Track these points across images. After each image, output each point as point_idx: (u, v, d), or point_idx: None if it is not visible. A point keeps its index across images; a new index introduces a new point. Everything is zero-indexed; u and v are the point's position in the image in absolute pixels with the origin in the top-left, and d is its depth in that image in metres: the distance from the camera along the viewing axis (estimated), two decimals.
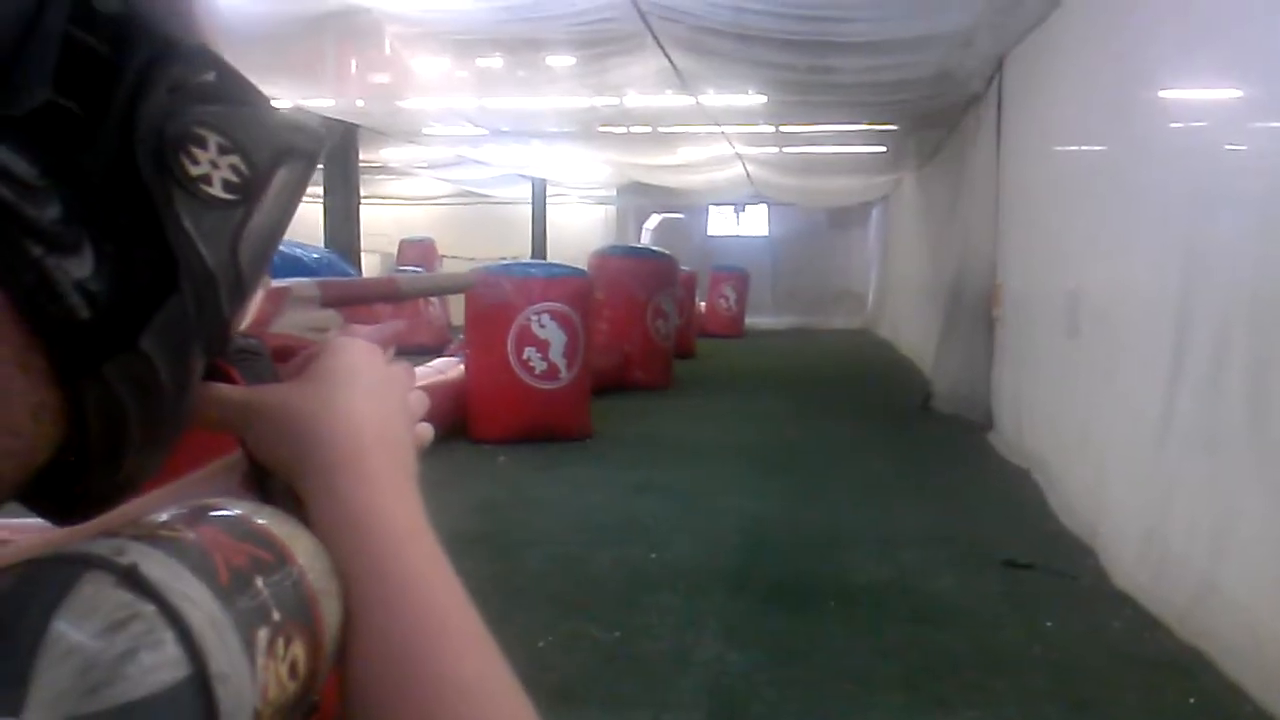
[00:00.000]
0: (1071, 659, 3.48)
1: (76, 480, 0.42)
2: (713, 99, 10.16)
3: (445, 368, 7.77)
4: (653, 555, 4.64)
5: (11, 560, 0.58)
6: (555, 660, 3.46)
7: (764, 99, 10.06)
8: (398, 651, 0.49)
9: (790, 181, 16.40)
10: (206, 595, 0.40)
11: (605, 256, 10.81)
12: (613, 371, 9.73)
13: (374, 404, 0.57)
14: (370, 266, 15.52)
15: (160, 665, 0.37)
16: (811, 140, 13.10)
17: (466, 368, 7.51)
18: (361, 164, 11.09)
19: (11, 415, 0.38)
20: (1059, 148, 6.19)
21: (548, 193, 19.16)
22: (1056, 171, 6.17)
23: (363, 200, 10.92)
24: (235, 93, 0.42)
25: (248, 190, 0.42)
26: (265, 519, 0.48)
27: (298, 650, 0.44)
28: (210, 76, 0.41)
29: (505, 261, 8.38)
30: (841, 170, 15.23)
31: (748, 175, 16.06)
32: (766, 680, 3.33)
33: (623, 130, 12.66)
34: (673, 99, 10.10)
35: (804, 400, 10.06)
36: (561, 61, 8.88)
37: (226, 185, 0.41)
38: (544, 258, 16.82)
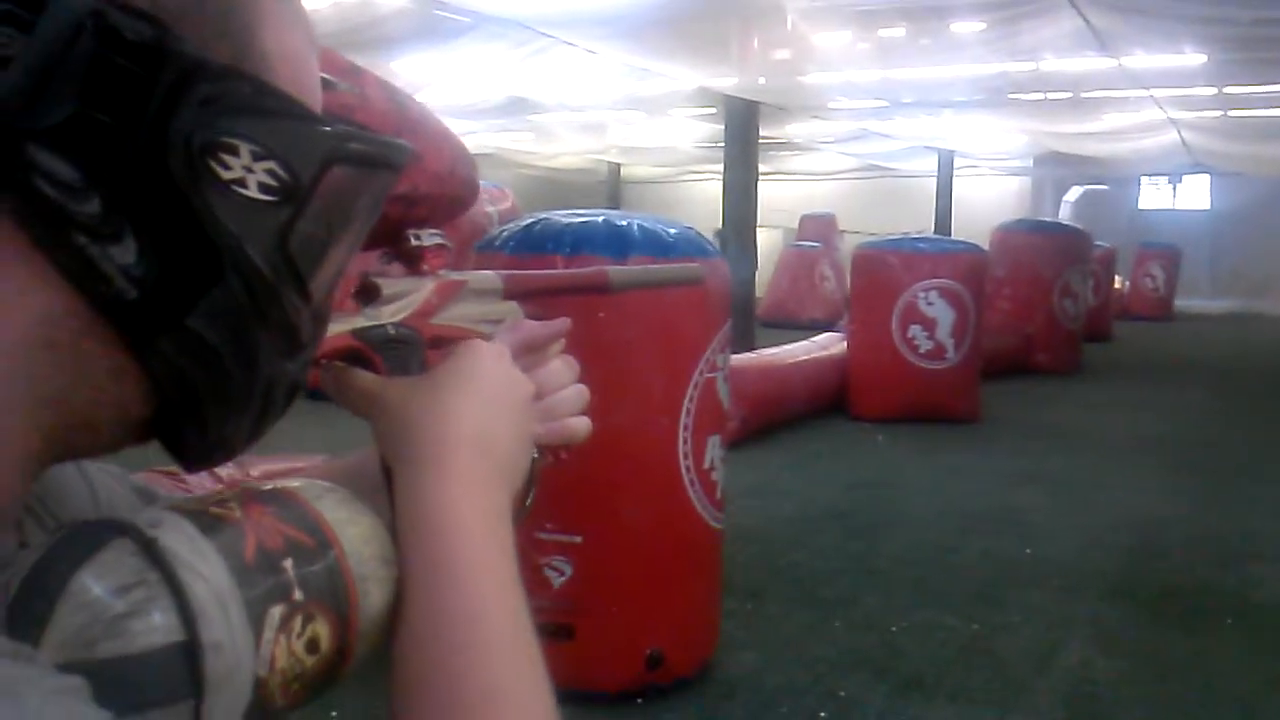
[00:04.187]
0: None
1: (174, 437, 0.50)
2: (1139, 60, 9.31)
3: (829, 343, 7.77)
4: (1027, 550, 4.39)
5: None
6: (906, 647, 3.39)
7: (1202, 59, 9.08)
8: (430, 641, 0.53)
9: (1236, 149, 14.62)
10: (221, 571, 0.45)
11: (1009, 231, 10.31)
12: (1011, 353, 9.28)
13: (480, 407, 0.61)
14: (770, 241, 15.78)
15: (154, 628, 0.42)
16: (1262, 102, 11.61)
17: (849, 343, 7.47)
18: (764, 140, 11.25)
19: (95, 374, 0.46)
20: None
21: (956, 165, 18.45)
22: None
23: (764, 176, 11.09)
24: (273, 106, 0.47)
25: (290, 192, 0.47)
26: (326, 504, 0.52)
27: (319, 628, 0.49)
28: (245, 91, 0.46)
29: (893, 236, 8.19)
30: None
31: (1183, 142, 14.52)
32: (1137, 695, 3.07)
33: (1038, 97, 11.92)
34: (1092, 61, 9.38)
35: (1233, 394, 9.02)
36: (969, 27, 8.54)
37: (264, 188, 0.46)
38: (947, 232, 16.25)
